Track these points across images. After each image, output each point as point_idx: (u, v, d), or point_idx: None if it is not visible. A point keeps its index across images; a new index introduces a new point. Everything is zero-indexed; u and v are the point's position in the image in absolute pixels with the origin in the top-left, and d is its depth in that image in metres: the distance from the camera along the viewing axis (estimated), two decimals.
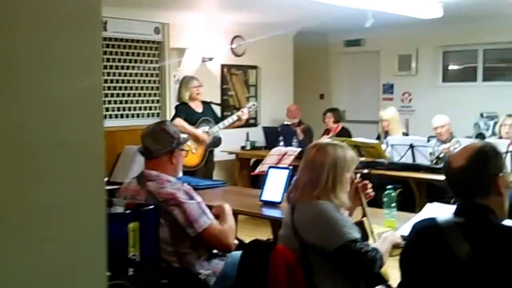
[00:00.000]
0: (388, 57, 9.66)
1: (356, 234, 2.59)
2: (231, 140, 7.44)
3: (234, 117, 6.36)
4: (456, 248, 1.88)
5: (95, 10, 1.14)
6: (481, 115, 7.85)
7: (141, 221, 2.47)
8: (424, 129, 7.96)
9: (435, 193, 6.04)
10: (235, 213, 3.86)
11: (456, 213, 2.01)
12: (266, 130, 8.13)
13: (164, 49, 7.73)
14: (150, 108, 7.83)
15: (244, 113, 6.33)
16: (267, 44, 8.71)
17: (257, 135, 8.24)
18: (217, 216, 3.06)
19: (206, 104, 6.43)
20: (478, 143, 2.14)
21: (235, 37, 8.55)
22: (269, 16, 7.87)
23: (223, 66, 8.49)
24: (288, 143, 7.33)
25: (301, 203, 2.69)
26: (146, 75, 7.72)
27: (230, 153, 8.02)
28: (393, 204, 3.46)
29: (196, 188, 4.53)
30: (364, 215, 2.87)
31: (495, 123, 7.50)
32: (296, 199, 2.73)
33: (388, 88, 9.78)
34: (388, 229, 3.09)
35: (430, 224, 2.06)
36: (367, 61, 10.10)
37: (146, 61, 7.69)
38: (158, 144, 2.99)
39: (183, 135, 3.14)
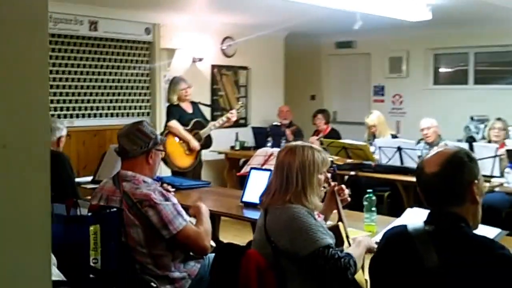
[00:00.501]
0: (379, 59, 9.65)
1: (329, 239, 2.56)
2: (221, 140, 7.43)
3: (224, 118, 6.41)
4: (426, 258, 1.83)
5: (40, 10, 1.13)
6: (472, 118, 7.85)
7: (102, 224, 2.45)
8: (415, 132, 7.95)
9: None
10: (215, 215, 3.86)
11: (427, 221, 1.96)
12: (255, 130, 8.13)
13: (155, 49, 7.74)
14: (140, 108, 7.84)
15: (233, 115, 6.36)
16: (258, 45, 8.73)
17: (247, 135, 8.23)
18: (194, 217, 3.06)
19: (195, 104, 6.48)
20: (452, 148, 2.05)
21: (225, 38, 8.57)
22: (260, 17, 7.87)
23: (213, 66, 8.50)
24: (276, 144, 7.32)
25: (273, 207, 2.65)
26: (137, 75, 7.73)
27: (220, 153, 8.01)
28: (373, 208, 3.43)
29: (179, 188, 4.58)
30: (339, 219, 2.85)
31: (486, 127, 7.49)
32: (269, 203, 2.69)
33: (379, 90, 9.78)
34: (365, 234, 3.08)
35: (400, 232, 2.01)
36: (358, 63, 10.09)
37: (137, 61, 7.71)
38: (134, 144, 2.98)
39: (160, 136, 3.11)
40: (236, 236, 5.97)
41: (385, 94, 9.69)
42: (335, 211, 3.00)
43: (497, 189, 5.13)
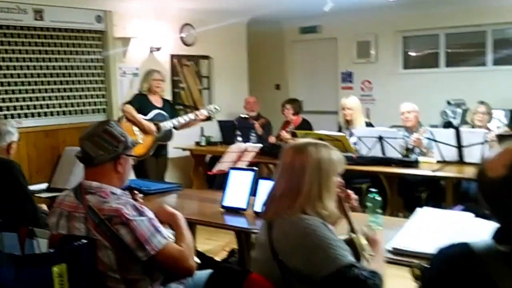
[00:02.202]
0: (346, 44, 9.30)
1: (350, 256, 2.08)
2: (185, 136, 6.89)
3: (191, 116, 6.04)
4: (503, 285, 1.41)
5: None
6: (448, 102, 7.52)
7: (70, 262, 1.85)
8: (386, 118, 7.66)
9: (407, 188, 5.66)
10: (193, 223, 3.33)
11: (498, 239, 1.51)
12: (222, 124, 7.60)
13: (108, 39, 7.22)
14: (95, 104, 7.30)
15: (202, 115, 6.05)
16: (219, 32, 8.37)
17: (213, 130, 7.71)
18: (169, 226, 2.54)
19: (167, 102, 6.17)
20: None
21: (184, 25, 8.14)
22: (220, 2, 7.50)
23: (172, 56, 8.06)
24: (245, 137, 6.85)
25: (280, 218, 2.19)
26: (89, 67, 7.20)
27: (184, 149, 7.50)
28: (379, 210, 2.98)
29: (147, 193, 4.03)
30: (352, 230, 2.36)
31: (464, 111, 7.20)
32: (274, 214, 2.21)
33: (347, 77, 9.45)
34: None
35: (464, 254, 1.53)
36: (324, 48, 9.73)
37: (89, 53, 7.16)
38: (100, 149, 2.41)
39: (131, 138, 2.55)
40: (209, 239, 5.47)
41: (354, 80, 9.38)
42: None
43: None
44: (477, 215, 2.61)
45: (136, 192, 2.92)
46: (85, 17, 6.97)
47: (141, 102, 5.94)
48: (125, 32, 7.25)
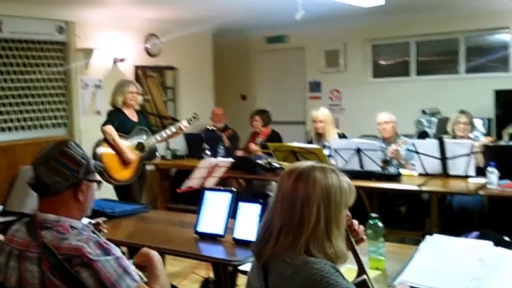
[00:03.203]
0: (314, 53, 9.18)
1: None
2: None
3: (173, 129, 5.66)
4: None
5: None
6: (423, 111, 7.41)
7: None
8: (356, 128, 7.54)
9: (385, 202, 5.47)
10: (163, 252, 3.05)
11: None
12: (188, 137, 7.32)
13: (69, 50, 7.00)
14: (56, 118, 7.03)
15: (183, 126, 5.68)
16: (185, 42, 8.26)
17: (178, 143, 7.43)
18: (142, 267, 2.23)
19: (141, 114, 5.72)
20: None
21: (149, 35, 7.95)
22: (185, 12, 7.35)
23: (137, 67, 7.87)
24: (213, 151, 6.60)
25: (279, 261, 1.81)
26: (50, 80, 6.94)
27: (149, 163, 7.18)
28: (381, 239, 2.62)
29: (111, 216, 3.74)
30: (362, 270, 1.99)
31: (440, 120, 7.07)
32: (271, 256, 1.83)
33: (315, 86, 9.31)
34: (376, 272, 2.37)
35: None
36: (291, 58, 9.60)
37: (49, 65, 6.91)
38: (57, 175, 2.07)
39: (94, 161, 2.23)
40: (175, 260, 5.14)
41: (322, 90, 9.24)
42: None
43: (481, 192, 4.54)
44: (496, 243, 2.35)
45: (100, 221, 2.64)
46: (46, 28, 6.73)
47: (119, 120, 5.45)
48: (88, 43, 7.02)
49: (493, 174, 4.47)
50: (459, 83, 8.02)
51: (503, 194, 4.47)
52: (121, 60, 7.41)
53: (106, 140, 5.32)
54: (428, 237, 2.53)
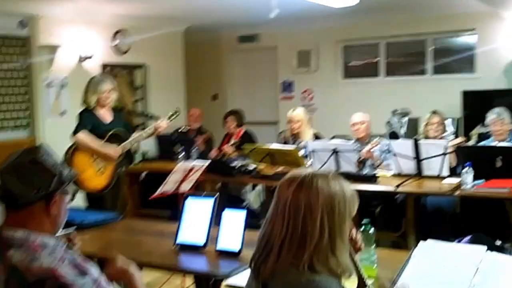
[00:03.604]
0: (286, 53, 9.13)
1: None
2: None
3: (150, 130, 5.19)
4: None
5: None
6: (393, 112, 7.41)
7: None
8: (327, 128, 7.51)
9: (361, 203, 5.33)
10: (141, 265, 2.80)
11: None
12: (160, 138, 7.02)
13: (32, 46, 6.77)
14: (18, 118, 6.73)
15: (163, 124, 5.18)
16: (155, 40, 8.03)
17: (148, 144, 7.16)
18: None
19: (117, 112, 5.16)
20: None
21: (117, 32, 7.73)
22: (156, 9, 7.19)
23: (104, 65, 7.64)
24: (186, 153, 6.36)
25: (280, 278, 1.67)
26: (10, 78, 6.66)
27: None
28: (373, 245, 2.49)
29: (81, 227, 3.45)
30: (363, 285, 1.88)
31: (410, 120, 7.10)
32: (271, 272, 1.68)
33: (287, 86, 9.31)
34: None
35: None
36: (263, 57, 9.52)
37: (9, 62, 6.61)
38: (27, 186, 1.82)
39: (68, 170, 1.98)
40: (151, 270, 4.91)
41: (294, 90, 9.24)
42: None
43: (456, 192, 4.52)
44: (489, 248, 2.24)
45: (71, 233, 2.38)
46: (6, 22, 6.51)
47: (93, 122, 4.93)
48: (52, 39, 6.81)
49: (468, 174, 4.47)
50: (427, 84, 8.21)
51: (477, 195, 4.49)
52: (88, 58, 7.17)
53: (77, 149, 4.87)
54: (421, 243, 2.40)
